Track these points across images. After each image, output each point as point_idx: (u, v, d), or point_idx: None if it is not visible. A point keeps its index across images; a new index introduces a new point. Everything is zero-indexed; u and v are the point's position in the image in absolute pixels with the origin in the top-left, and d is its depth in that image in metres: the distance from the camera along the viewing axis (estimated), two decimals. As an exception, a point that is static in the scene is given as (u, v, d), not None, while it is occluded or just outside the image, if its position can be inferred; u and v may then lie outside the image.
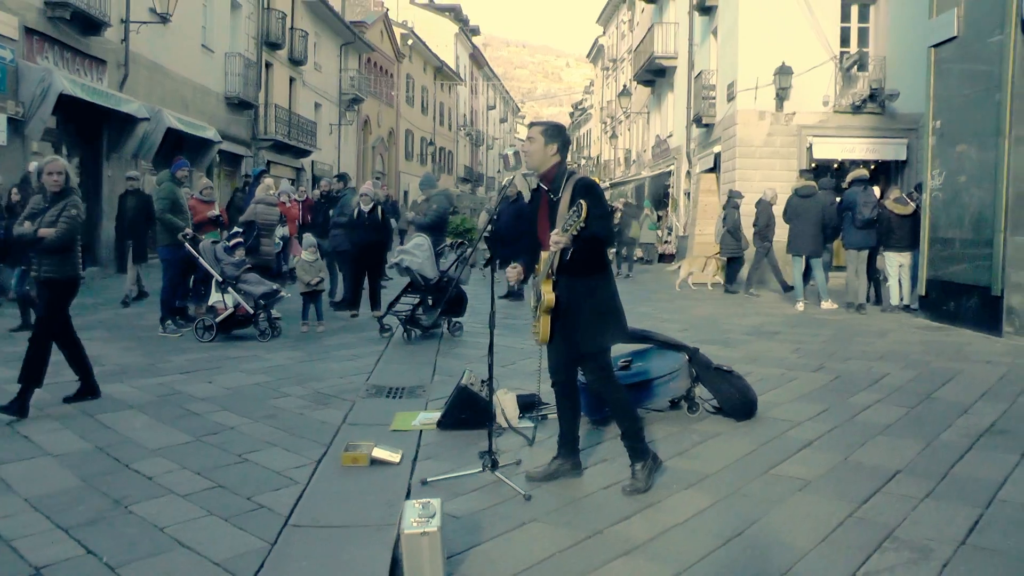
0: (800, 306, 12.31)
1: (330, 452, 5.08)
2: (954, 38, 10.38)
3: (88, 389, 6.47)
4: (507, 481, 4.35)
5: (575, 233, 3.92)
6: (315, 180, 29.24)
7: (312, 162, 31.37)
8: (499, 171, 76.66)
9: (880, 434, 5.37)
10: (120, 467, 4.78)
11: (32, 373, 6.02)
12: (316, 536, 3.80)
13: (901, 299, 11.97)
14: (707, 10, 21.80)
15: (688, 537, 3.69)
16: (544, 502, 4.15)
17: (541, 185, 4.40)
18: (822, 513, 3.95)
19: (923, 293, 11.17)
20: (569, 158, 4.56)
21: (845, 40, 18.95)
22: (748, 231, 14.88)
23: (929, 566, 3.35)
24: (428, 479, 4.46)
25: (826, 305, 12.29)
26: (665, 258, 24.75)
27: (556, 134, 4.37)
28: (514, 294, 13.82)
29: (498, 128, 78.02)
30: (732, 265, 15.46)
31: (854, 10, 19.07)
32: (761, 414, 5.83)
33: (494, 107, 75.01)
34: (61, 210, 5.97)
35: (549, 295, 4.21)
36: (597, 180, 4.68)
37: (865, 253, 12.21)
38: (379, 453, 4.84)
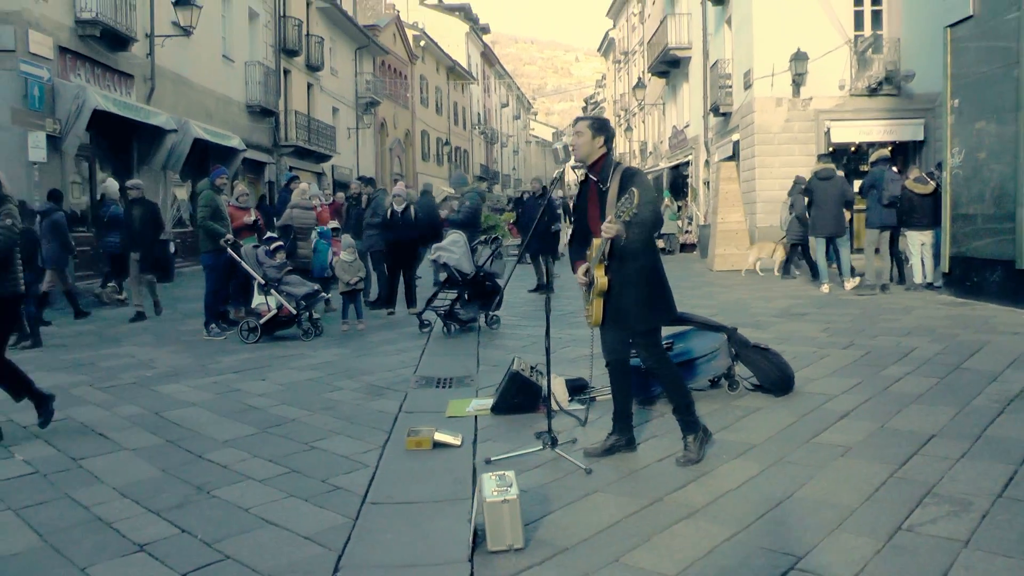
0: (825, 288, 12.50)
1: (393, 438, 5.37)
2: (970, 17, 10.56)
3: None
4: (568, 457, 4.62)
5: (628, 219, 4.18)
6: (336, 184, 29.66)
7: (332, 166, 31.76)
8: (513, 169, 76.89)
9: (913, 403, 5.62)
10: (194, 458, 5.08)
11: (18, 386, 5.78)
12: (395, 511, 4.09)
13: (924, 277, 12.14)
14: (720, 0, 21.97)
15: (742, 501, 3.96)
16: (604, 475, 4.42)
17: (590, 176, 4.66)
18: (864, 475, 4.21)
19: (946, 270, 11.33)
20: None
21: (859, 23, 19.09)
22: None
23: (970, 516, 3.60)
24: (492, 458, 4.73)
25: (849, 284, 12.48)
26: (686, 247, 24.93)
27: (602, 127, 4.63)
28: (543, 287, 14.11)
29: (512, 125, 78.28)
30: (794, 251, 15.55)
31: (867, -7, 19.21)
32: (798, 389, 6.09)
33: (507, 104, 75.26)
34: None
35: (602, 279, 4.47)
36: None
37: (888, 233, 12.39)
38: (441, 437, 5.13)
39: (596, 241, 4.53)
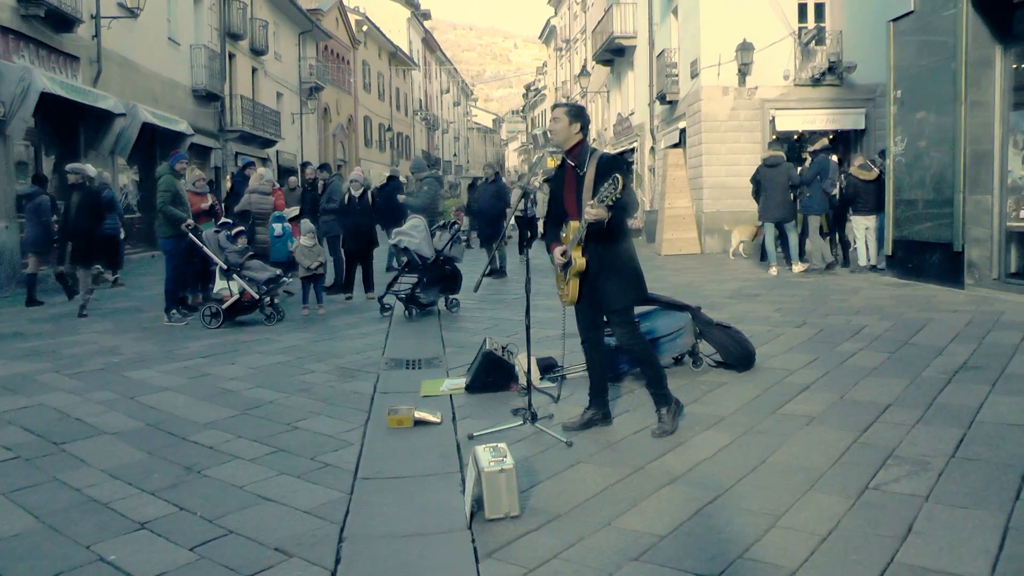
0: (773, 270, 12.93)
1: (373, 417, 5.51)
2: (911, 12, 11.01)
3: None
4: (548, 431, 4.83)
5: (611, 204, 4.39)
6: (281, 169, 29.38)
7: (277, 152, 31.42)
8: (454, 156, 76.74)
9: (868, 376, 5.98)
10: (178, 440, 5.14)
11: None
12: (387, 485, 4.24)
13: (868, 260, 12.66)
14: (666, -11, 22.32)
15: (720, 467, 4.21)
16: (585, 447, 4.64)
17: (567, 161, 4.86)
18: (830, 441, 4.51)
19: (890, 253, 11.84)
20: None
21: (803, 15, 19.56)
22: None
23: (928, 475, 3.92)
24: (474, 433, 4.91)
25: (797, 268, 12.93)
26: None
27: (578, 114, 4.83)
28: (497, 272, 14.31)
29: (452, 112, 78.02)
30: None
31: (810, -14, 19.70)
32: (759, 365, 6.40)
33: (448, 91, 75.02)
34: None
35: (580, 260, 4.67)
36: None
37: (820, 218, 12.94)
38: (421, 414, 5.30)
39: (573, 224, 4.71)
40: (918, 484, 3.80)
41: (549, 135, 5.02)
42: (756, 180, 13.14)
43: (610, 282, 4.73)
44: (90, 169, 13.83)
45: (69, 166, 11.38)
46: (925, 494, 3.68)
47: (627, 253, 4.80)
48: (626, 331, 4.88)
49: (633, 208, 4.80)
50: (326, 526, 3.71)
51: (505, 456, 3.77)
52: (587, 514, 3.69)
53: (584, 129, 4.85)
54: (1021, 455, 4.12)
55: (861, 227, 12.69)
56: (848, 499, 3.67)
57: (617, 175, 4.34)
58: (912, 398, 5.29)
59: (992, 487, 3.73)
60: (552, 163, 20.66)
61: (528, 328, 5.12)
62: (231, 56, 26.81)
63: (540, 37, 60.39)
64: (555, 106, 4.99)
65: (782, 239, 13.23)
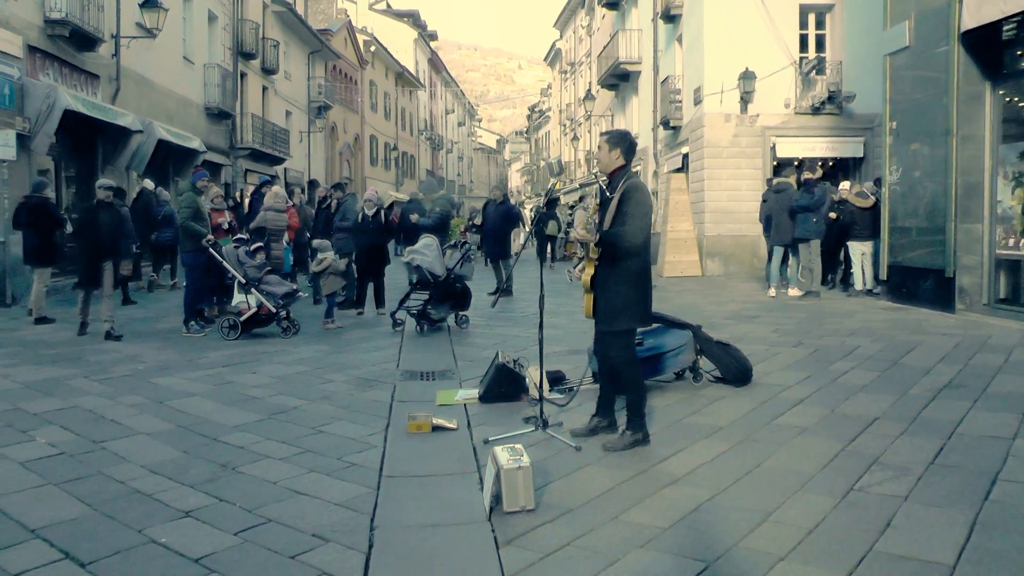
0: (772, 292, 13.33)
1: (392, 423, 5.87)
2: (906, 48, 11.47)
3: None
4: (558, 437, 5.21)
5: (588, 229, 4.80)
6: (289, 188, 29.78)
7: (285, 169, 31.87)
8: (458, 175, 77.26)
9: (859, 392, 6.37)
10: (210, 440, 5.50)
11: None
12: (412, 483, 4.60)
13: (864, 284, 13.06)
14: (672, 18, 22.82)
15: (718, 471, 4.58)
16: (592, 452, 5.01)
17: (600, 184, 5.25)
18: (820, 449, 4.89)
19: (884, 278, 12.25)
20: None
21: (804, 46, 20.08)
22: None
23: (908, 479, 4.30)
24: (489, 438, 5.27)
25: (793, 292, 13.32)
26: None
27: (619, 140, 5.16)
28: (504, 291, 14.67)
29: (457, 132, 78.66)
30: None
31: (811, 18, 20.23)
32: (756, 381, 6.78)
33: (452, 111, 75.69)
34: None
35: (585, 276, 5.10)
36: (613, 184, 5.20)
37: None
38: (439, 421, 5.67)
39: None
40: (898, 487, 4.18)
41: (596, 163, 5.36)
42: (766, 213, 13.49)
43: (609, 302, 5.07)
44: (148, 184, 14.64)
45: (100, 182, 10.75)
46: (904, 495, 4.06)
47: (632, 277, 5.04)
48: (619, 354, 5.15)
49: (635, 236, 4.95)
50: (357, 516, 4.07)
51: (522, 455, 4.15)
52: (596, 509, 4.05)
53: (626, 154, 5.12)
54: (994, 463, 4.50)
55: (857, 252, 13.10)
56: (834, 499, 4.04)
57: (588, 204, 4.73)
58: (898, 413, 5.67)
59: (965, 490, 4.11)
60: (559, 186, 21.07)
61: (541, 341, 5.49)
62: (243, 75, 27.33)
63: (545, 59, 61.08)
64: (600, 135, 5.35)
65: (785, 263, 13.64)
